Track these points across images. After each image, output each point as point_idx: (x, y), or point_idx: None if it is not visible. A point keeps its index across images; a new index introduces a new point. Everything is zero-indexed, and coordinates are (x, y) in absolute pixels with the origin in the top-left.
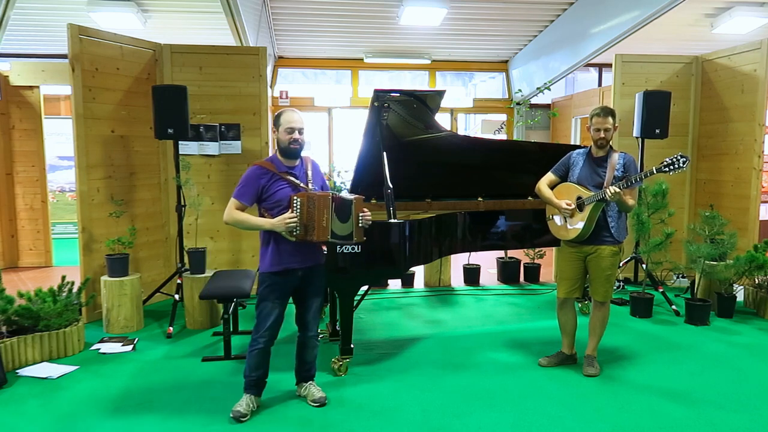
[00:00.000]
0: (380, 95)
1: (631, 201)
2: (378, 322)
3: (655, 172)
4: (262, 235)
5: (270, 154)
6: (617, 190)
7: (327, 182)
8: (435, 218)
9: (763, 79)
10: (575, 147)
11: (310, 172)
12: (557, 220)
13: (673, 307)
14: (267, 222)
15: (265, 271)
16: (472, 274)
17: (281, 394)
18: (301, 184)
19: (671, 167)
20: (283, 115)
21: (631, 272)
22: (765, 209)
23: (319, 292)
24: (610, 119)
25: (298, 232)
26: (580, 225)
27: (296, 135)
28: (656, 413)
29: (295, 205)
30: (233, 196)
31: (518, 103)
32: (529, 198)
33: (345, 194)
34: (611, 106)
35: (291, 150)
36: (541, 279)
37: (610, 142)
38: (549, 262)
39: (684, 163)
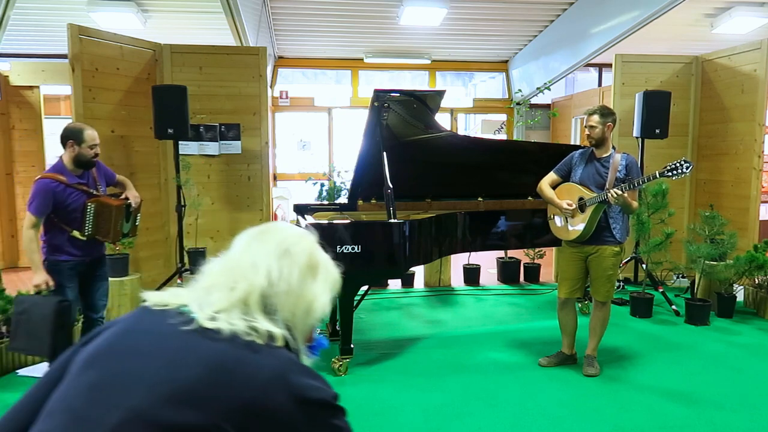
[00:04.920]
0: (380, 95)
1: (634, 203)
2: (378, 322)
3: (658, 176)
4: None
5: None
6: (620, 192)
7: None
8: (435, 218)
9: (763, 79)
10: (575, 147)
11: (96, 175)
12: (558, 220)
13: (673, 307)
14: (39, 269)
15: None
16: (472, 274)
17: None
18: (92, 191)
19: (674, 172)
20: (86, 131)
21: (631, 272)
22: (765, 209)
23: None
24: (595, 117)
25: (90, 232)
26: (581, 226)
27: (98, 149)
28: (656, 413)
29: (88, 210)
30: (33, 212)
31: (518, 103)
32: (529, 198)
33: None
34: (610, 106)
35: (92, 162)
36: (541, 279)
37: (612, 143)
38: (549, 262)
39: (687, 168)
